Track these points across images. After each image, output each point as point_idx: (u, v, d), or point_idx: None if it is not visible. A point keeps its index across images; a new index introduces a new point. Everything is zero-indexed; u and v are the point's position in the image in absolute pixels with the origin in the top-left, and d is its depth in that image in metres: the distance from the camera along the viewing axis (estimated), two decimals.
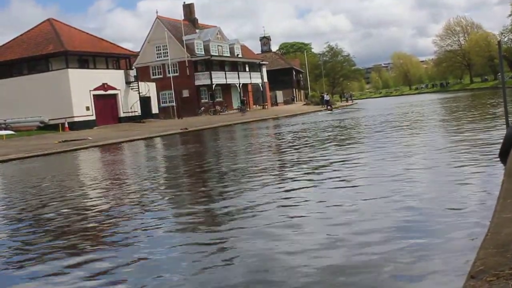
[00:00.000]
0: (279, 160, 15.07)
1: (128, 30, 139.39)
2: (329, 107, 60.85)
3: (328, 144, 18.34)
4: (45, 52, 46.31)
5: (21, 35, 51.65)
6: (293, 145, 18.80)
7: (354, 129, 26.03)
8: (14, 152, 27.00)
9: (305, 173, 11.40)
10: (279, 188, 9.75)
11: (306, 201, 8.36)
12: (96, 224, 8.14)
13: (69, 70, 45.26)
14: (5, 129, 40.71)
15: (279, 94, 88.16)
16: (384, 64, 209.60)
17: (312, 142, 19.74)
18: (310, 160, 13.89)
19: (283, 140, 22.15)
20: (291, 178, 10.92)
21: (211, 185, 11.33)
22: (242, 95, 69.49)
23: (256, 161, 14.99)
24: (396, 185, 8.69)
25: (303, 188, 9.61)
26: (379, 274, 4.78)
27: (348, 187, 9.11)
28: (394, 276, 4.73)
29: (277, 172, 12.27)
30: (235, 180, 11.46)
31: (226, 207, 8.43)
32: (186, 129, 37.92)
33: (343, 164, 12.19)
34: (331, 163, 12.60)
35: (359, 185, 9.24)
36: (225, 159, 16.61)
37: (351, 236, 5.96)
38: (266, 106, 74.64)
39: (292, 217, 7.21)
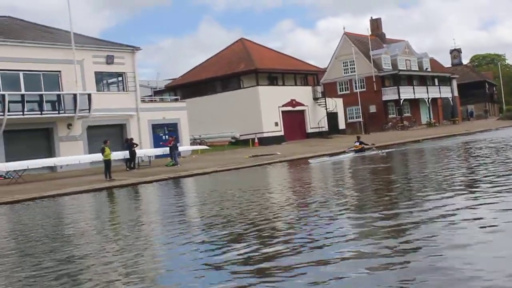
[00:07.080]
0: None
1: (307, 48, 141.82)
2: (361, 146, 32.45)
3: None
4: (237, 71, 48.31)
5: (214, 55, 54.59)
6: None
7: None
8: (211, 166, 28.27)
9: None
10: None
11: None
12: None
13: (259, 87, 46.69)
14: (200, 144, 42.91)
15: (470, 108, 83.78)
16: None
17: None
18: None
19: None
20: None
21: None
22: (431, 109, 67.16)
23: None
24: None
25: None
26: None
27: None
28: None
29: None
30: None
31: None
32: (373, 144, 37.13)
33: None
34: None
35: None
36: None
37: None
38: (457, 121, 71.17)
39: None
